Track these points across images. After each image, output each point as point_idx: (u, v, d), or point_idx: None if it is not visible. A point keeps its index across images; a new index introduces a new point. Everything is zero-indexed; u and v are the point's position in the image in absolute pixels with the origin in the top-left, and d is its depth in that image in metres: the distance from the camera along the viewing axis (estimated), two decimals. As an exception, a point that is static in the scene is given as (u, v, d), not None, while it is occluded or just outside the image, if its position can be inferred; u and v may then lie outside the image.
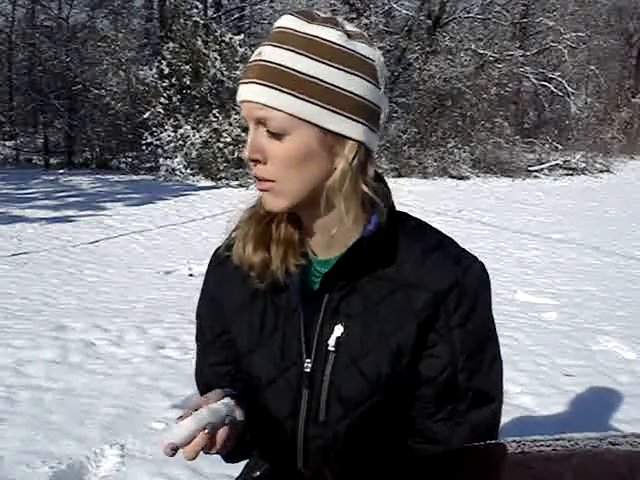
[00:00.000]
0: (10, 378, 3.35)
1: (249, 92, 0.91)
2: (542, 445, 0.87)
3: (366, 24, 15.28)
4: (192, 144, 13.35)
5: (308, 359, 1.01)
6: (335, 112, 0.90)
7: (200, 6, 14.90)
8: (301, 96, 0.88)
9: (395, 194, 1.02)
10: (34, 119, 16.96)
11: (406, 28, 16.67)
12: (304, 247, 1.03)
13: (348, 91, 0.90)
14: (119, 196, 10.74)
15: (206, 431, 0.88)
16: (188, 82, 13.61)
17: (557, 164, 16.83)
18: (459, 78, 15.65)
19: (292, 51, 0.89)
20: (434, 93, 15.87)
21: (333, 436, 1.01)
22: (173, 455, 0.88)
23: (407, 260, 0.99)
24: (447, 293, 0.97)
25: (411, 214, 1.06)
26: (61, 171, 14.18)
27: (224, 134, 13.03)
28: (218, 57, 13.54)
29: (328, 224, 0.97)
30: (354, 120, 0.91)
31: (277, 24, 0.93)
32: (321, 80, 0.89)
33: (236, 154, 12.68)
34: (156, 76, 14.04)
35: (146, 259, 6.62)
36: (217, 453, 0.96)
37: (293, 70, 0.88)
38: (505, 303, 4.96)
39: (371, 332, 0.98)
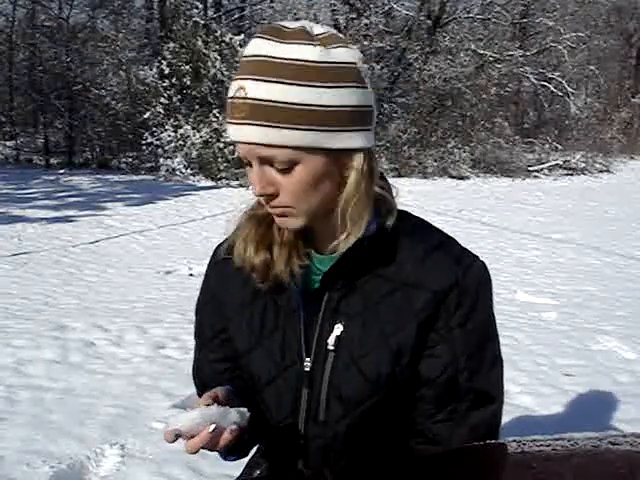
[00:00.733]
0: (10, 378, 3.35)
1: (247, 134, 0.89)
2: (542, 445, 0.88)
3: (366, 24, 15.28)
4: (192, 144, 13.35)
5: (308, 358, 1.01)
6: (336, 131, 0.89)
7: (200, 6, 14.90)
8: (301, 127, 0.87)
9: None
10: (34, 119, 16.96)
11: (406, 28, 16.66)
12: (308, 247, 1.03)
13: (342, 106, 0.89)
14: (119, 196, 10.74)
15: (211, 429, 0.88)
16: (188, 82, 13.62)
17: (557, 164, 16.82)
18: (459, 78, 15.64)
19: (278, 83, 0.86)
20: (434, 93, 15.86)
21: (333, 436, 1.01)
22: (173, 442, 0.88)
23: (408, 260, 0.99)
24: (447, 293, 0.97)
25: (413, 213, 1.06)
26: (61, 171, 14.18)
27: (224, 134, 13.01)
28: (218, 57, 13.54)
29: (338, 227, 0.97)
30: (355, 131, 0.91)
31: (250, 51, 0.90)
32: (315, 105, 0.87)
33: (236, 154, 12.65)
34: (156, 76, 14.04)
35: (146, 259, 6.62)
36: (217, 451, 0.97)
37: (286, 103, 0.86)
38: (505, 303, 4.96)
39: (371, 332, 0.98)
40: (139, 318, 4.40)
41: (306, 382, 1.01)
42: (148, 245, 7.36)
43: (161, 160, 13.55)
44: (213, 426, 0.88)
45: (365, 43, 15.21)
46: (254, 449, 1.17)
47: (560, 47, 17.22)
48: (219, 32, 13.99)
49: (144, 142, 13.56)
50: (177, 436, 0.88)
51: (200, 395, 1.13)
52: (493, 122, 16.79)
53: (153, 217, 9.03)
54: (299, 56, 0.87)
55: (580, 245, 7.75)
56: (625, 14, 25.12)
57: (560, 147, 17.73)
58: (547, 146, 17.67)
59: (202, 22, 14.21)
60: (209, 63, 13.51)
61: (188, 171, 13.39)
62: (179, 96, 13.84)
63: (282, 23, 0.91)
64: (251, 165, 0.93)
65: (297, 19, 16.35)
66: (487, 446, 0.94)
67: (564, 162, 16.88)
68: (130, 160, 14.75)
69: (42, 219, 8.42)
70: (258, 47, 0.89)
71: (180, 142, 13.45)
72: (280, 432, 1.04)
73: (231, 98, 0.90)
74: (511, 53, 16.72)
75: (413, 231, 1.02)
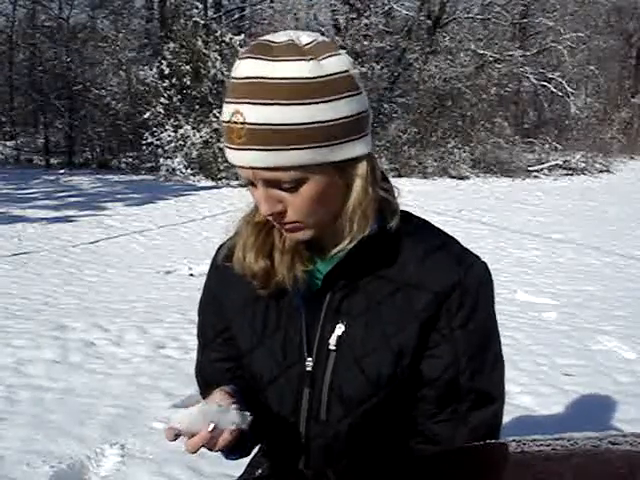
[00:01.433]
0: (10, 378, 3.35)
1: (249, 159, 0.88)
2: (542, 445, 0.88)
3: (366, 24, 15.28)
4: (192, 144, 13.36)
5: (309, 358, 1.01)
6: (338, 144, 0.89)
7: (200, 6, 14.90)
8: (303, 146, 0.87)
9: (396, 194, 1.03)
10: (34, 119, 16.97)
11: (406, 28, 16.66)
12: (310, 251, 1.03)
13: (341, 118, 0.89)
14: (119, 196, 10.74)
15: (210, 428, 0.87)
16: (188, 82, 13.62)
17: (557, 164, 16.82)
18: (459, 78, 15.64)
19: (275, 105, 0.85)
20: (434, 93, 15.86)
21: (334, 435, 1.01)
22: (174, 440, 0.88)
23: (410, 260, 0.99)
24: (449, 293, 0.97)
25: (414, 214, 1.06)
26: (61, 171, 14.18)
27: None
28: (218, 57, 13.55)
29: (343, 232, 0.97)
30: (357, 139, 0.91)
31: (241, 73, 0.88)
32: (315, 122, 0.87)
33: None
34: (156, 76, 14.05)
35: (146, 259, 6.62)
36: (216, 451, 0.97)
37: (285, 125, 0.85)
38: (505, 303, 4.96)
39: (373, 332, 0.98)
40: (139, 318, 4.40)
41: (307, 382, 1.01)
42: (148, 245, 7.36)
43: (161, 160, 13.56)
44: (212, 425, 0.87)
45: (365, 43, 15.22)
46: (256, 448, 1.17)
47: (560, 47, 17.21)
48: (219, 32, 14.00)
49: (144, 142, 13.57)
50: (177, 435, 0.88)
51: (202, 395, 1.13)
52: (493, 122, 16.79)
53: (153, 217, 9.03)
54: (292, 74, 0.85)
55: (580, 245, 7.75)
56: (625, 14, 25.10)
57: (560, 147, 17.73)
58: (547, 146, 17.66)
59: (202, 22, 14.22)
60: (209, 63, 13.52)
61: (188, 171, 13.39)
62: (179, 96, 13.85)
63: (268, 38, 0.90)
64: (254, 185, 0.92)
65: (297, 19, 16.38)
66: (487, 446, 0.94)
67: (564, 162, 16.87)
68: (130, 160, 14.76)
69: (42, 219, 8.42)
70: (249, 68, 0.87)
71: (180, 142, 13.45)
72: (281, 432, 1.04)
73: (227, 122, 0.89)
74: (511, 53, 16.71)
75: (415, 232, 1.02)
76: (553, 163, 16.82)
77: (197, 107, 13.84)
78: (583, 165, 17.06)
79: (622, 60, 25.59)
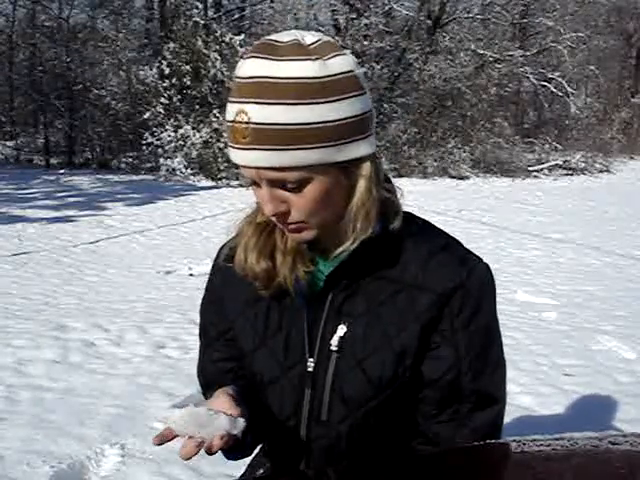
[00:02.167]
0: (11, 378, 3.35)
1: (254, 159, 0.88)
2: (542, 445, 0.88)
3: (366, 24, 15.28)
4: (192, 144, 13.36)
5: (311, 359, 1.01)
6: (344, 144, 0.89)
7: (200, 6, 14.90)
8: (309, 146, 0.86)
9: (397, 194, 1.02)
10: (35, 119, 16.94)
11: (406, 28, 16.65)
12: (313, 252, 1.02)
13: (346, 118, 0.88)
14: (119, 196, 10.73)
15: (199, 436, 0.87)
16: (188, 82, 13.62)
17: (557, 164, 16.82)
18: (459, 78, 15.65)
19: (281, 104, 0.84)
20: (434, 93, 15.86)
21: (336, 436, 1.01)
22: (160, 444, 0.88)
23: (412, 261, 0.99)
24: (451, 295, 0.97)
25: (417, 215, 1.06)
26: (62, 171, 14.18)
27: (225, 134, 13.02)
28: (218, 57, 13.54)
29: (346, 232, 0.97)
30: (361, 139, 0.91)
31: (246, 72, 0.87)
32: (320, 122, 0.86)
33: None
34: (156, 76, 14.05)
35: (146, 259, 6.62)
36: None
37: (291, 125, 0.85)
38: (505, 303, 4.95)
39: (374, 333, 0.98)
40: (139, 318, 4.40)
41: (309, 382, 1.01)
42: (148, 245, 7.36)
43: (161, 160, 13.55)
44: (197, 431, 0.87)
45: (365, 43, 15.22)
46: (257, 449, 1.17)
47: (560, 47, 17.22)
48: (219, 32, 14.00)
49: (144, 142, 13.57)
50: (165, 437, 0.88)
51: (204, 395, 1.13)
52: (493, 122, 16.79)
53: (153, 217, 9.03)
54: (298, 74, 0.85)
55: (580, 245, 7.75)
56: (625, 14, 25.10)
57: (560, 147, 17.73)
58: (547, 146, 17.67)
59: (202, 22, 14.21)
60: (209, 63, 13.52)
61: (188, 171, 13.39)
62: (179, 96, 13.84)
63: (273, 37, 0.89)
64: (257, 185, 0.92)
65: (297, 19, 16.38)
66: (487, 446, 0.95)
67: (564, 162, 16.88)
68: (130, 160, 14.75)
69: (42, 219, 8.42)
70: (254, 67, 0.86)
71: (180, 142, 13.45)
72: (283, 432, 1.04)
73: (231, 122, 0.88)
74: (511, 53, 16.72)
75: (417, 232, 1.02)
76: (553, 163, 16.83)
77: (197, 107, 13.84)
78: (583, 165, 17.06)
79: (622, 60, 25.60)
